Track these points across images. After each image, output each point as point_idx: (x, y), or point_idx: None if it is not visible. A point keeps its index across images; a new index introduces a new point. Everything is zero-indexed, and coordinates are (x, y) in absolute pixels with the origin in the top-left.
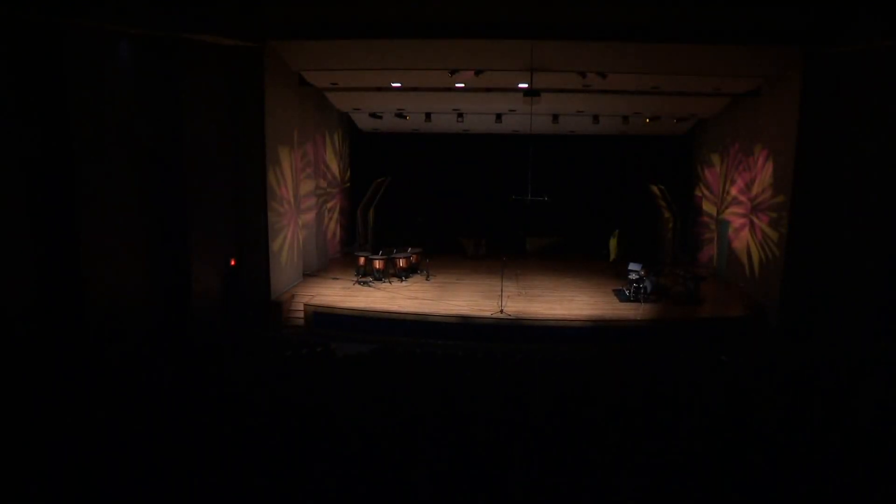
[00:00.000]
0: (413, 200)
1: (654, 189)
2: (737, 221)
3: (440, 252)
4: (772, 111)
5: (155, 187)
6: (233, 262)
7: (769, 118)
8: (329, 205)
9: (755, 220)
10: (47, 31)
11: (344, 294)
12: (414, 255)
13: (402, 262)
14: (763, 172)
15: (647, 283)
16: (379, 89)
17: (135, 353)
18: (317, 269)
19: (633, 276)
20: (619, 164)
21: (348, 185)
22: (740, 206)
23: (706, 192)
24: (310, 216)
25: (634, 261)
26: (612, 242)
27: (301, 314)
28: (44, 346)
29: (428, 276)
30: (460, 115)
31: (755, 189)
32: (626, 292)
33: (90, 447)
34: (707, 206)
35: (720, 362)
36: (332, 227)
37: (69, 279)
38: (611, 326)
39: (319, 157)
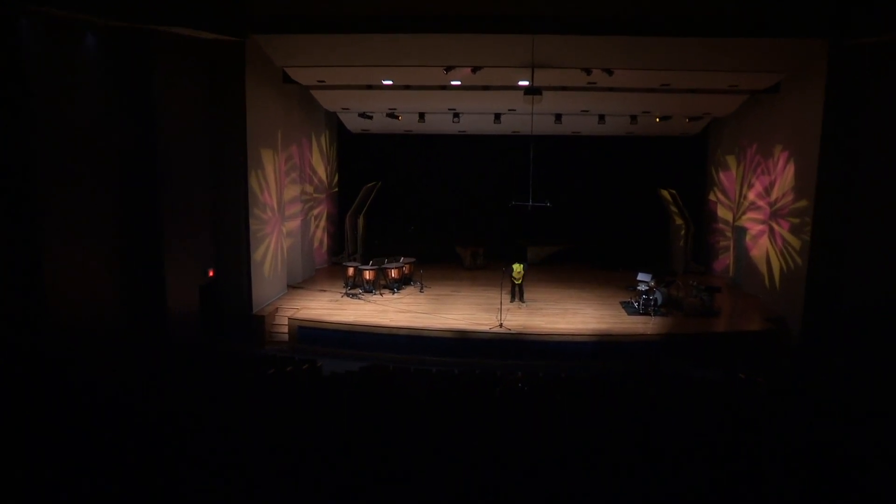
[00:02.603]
0: (406, 207)
1: (665, 194)
2: (755, 228)
3: (435, 262)
4: (793, 109)
5: (126, 192)
6: (211, 273)
7: (790, 116)
8: (315, 211)
9: (775, 227)
10: (2, 21)
11: (331, 307)
12: (407, 266)
13: (393, 273)
14: (784, 175)
15: (658, 295)
16: (369, 87)
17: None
18: (302, 281)
19: (642, 288)
20: (626, 167)
21: (336, 190)
22: (759, 211)
23: (721, 197)
24: (295, 224)
25: (644, 271)
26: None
27: (285, 329)
28: None
29: (422, 288)
30: (456, 114)
31: (775, 193)
32: (635, 305)
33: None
34: (722, 212)
35: (737, 381)
36: (319, 235)
37: (28, 293)
38: (618, 341)
39: (305, 161)
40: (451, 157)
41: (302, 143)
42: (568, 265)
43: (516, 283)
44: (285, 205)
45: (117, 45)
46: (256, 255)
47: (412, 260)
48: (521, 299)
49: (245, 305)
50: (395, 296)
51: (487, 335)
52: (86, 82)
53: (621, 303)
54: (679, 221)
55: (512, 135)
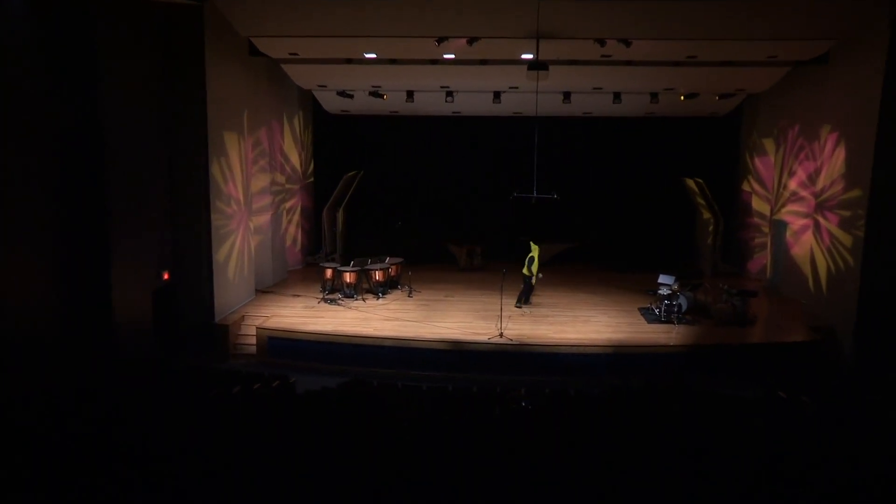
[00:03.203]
0: (392, 199)
1: (691, 184)
2: (797, 222)
3: (425, 262)
4: (844, 83)
5: (65, 182)
6: (166, 276)
7: (841, 92)
8: (288, 205)
9: (821, 221)
10: None
11: (306, 315)
12: (393, 267)
13: (378, 276)
14: (832, 161)
15: (682, 300)
16: (349, 61)
17: (28, 394)
18: (273, 284)
19: (664, 292)
20: (646, 154)
21: (312, 180)
22: (801, 203)
23: (757, 187)
24: (264, 219)
25: (666, 272)
26: (528, 258)
27: (253, 340)
28: None
29: (410, 293)
30: (450, 93)
31: (821, 182)
32: (656, 311)
33: None
34: (758, 204)
35: (777, 401)
36: (292, 231)
37: None
38: (636, 354)
39: (276, 146)
40: (443, 143)
41: (272, 126)
42: (578, 266)
43: (531, 277)
44: (253, 197)
45: (49, 10)
46: (219, 255)
47: (399, 260)
48: (526, 301)
49: (206, 313)
50: (380, 301)
51: (486, 346)
52: (11, 55)
53: (640, 309)
54: (707, 215)
55: (513, 117)
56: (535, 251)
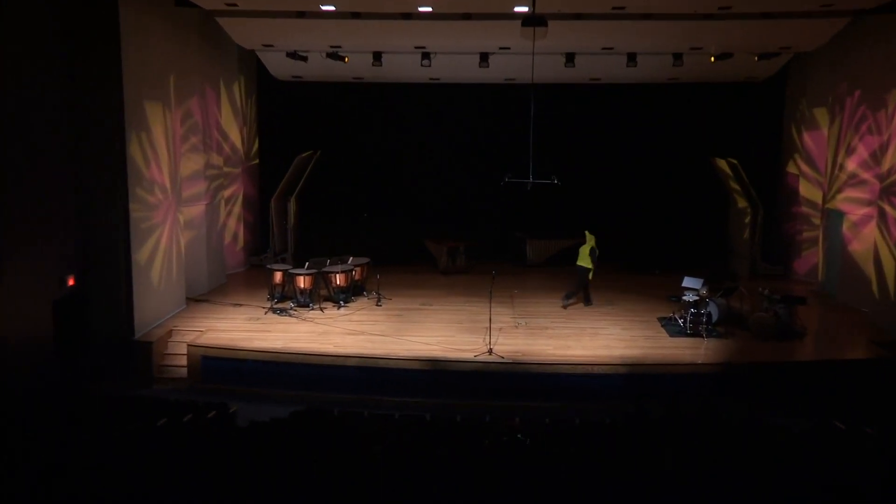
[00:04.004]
0: (356, 186)
1: (723, 165)
2: (857, 212)
3: (398, 263)
4: None
5: None
6: (71, 282)
7: None
8: (227, 192)
9: (888, 210)
10: None
11: (251, 328)
12: (358, 269)
13: (339, 280)
14: None
15: (713, 309)
16: (301, 14)
17: None
18: (208, 291)
19: (689, 298)
20: (667, 128)
21: (256, 162)
22: (863, 187)
23: (805, 168)
24: (197, 210)
25: (692, 274)
26: (585, 250)
27: (183, 360)
28: None
29: (379, 300)
30: (426, 55)
31: (889, 161)
32: (680, 322)
33: None
34: (807, 190)
35: (833, 433)
36: (233, 226)
37: None
38: (656, 374)
39: (211, 120)
40: (419, 117)
41: (206, 95)
42: None
43: (588, 271)
44: (182, 183)
45: None
46: (140, 255)
47: (365, 261)
48: (587, 300)
49: (123, 327)
50: (342, 311)
51: (472, 366)
52: None
53: (660, 319)
54: (743, 204)
55: (505, 84)
56: (591, 241)
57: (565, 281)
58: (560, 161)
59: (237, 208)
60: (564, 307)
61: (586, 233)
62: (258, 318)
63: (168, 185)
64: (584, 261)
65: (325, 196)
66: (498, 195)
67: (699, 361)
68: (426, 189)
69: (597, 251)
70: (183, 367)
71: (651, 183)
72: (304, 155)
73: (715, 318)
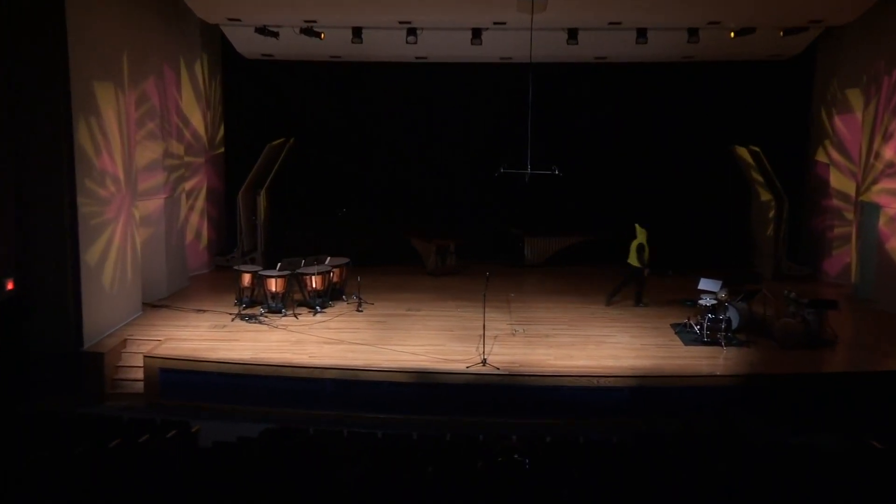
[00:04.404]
0: (334, 177)
1: (744, 153)
2: (895, 205)
3: (381, 264)
4: None
5: None
6: (10, 286)
7: None
8: (189, 185)
9: None
10: None
11: (216, 337)
12: (336, 270)
13: (315, 282)
14: None
15: (733, 314)
16: None
17: None
18: (168, 296)
19: (706, 302)
20: (682, 113)
21: (222, 150)
22: None
23: (837, 157)
24: (155, 205)
25: (709, 276)
26: (634, 245)
27: (139, 373)
28: None
29: (360, 305)
30: (412, 30)
31: None
32: (696, 329)
33: None
34: (838, 181)
35: (869, 452)
36: (195, 222)
37: None
38: (669, 388)
39: (170, 104)
40: (403, 100)
41: (165, 76)
42: (587, 267)
43: (642, 269)
44: (138, 174)
45: None
46: (90, 256)
47: (344, 261)
48: (639, 300)
49: (71, 336)
50: (319, 318)
51: (464, 378)
52: None
53: (673, 326)
54: (766, 196)
55: (500, 63)
56: (642, 236)
57: (567, 283)
58: (561, 150)
59: (200, 202)
60: (608, 304)
61: (636, 226)
62: (224, 326)
63: (121, 176)
64: (632, 259)
65: (300, 189)
66: (492, 188)
67: (717, 373)
68: (412, 181)
69: (646, 248)
70: (139, 381)
71: (664, 173)
72: (275, 143)
73: (735, 324)
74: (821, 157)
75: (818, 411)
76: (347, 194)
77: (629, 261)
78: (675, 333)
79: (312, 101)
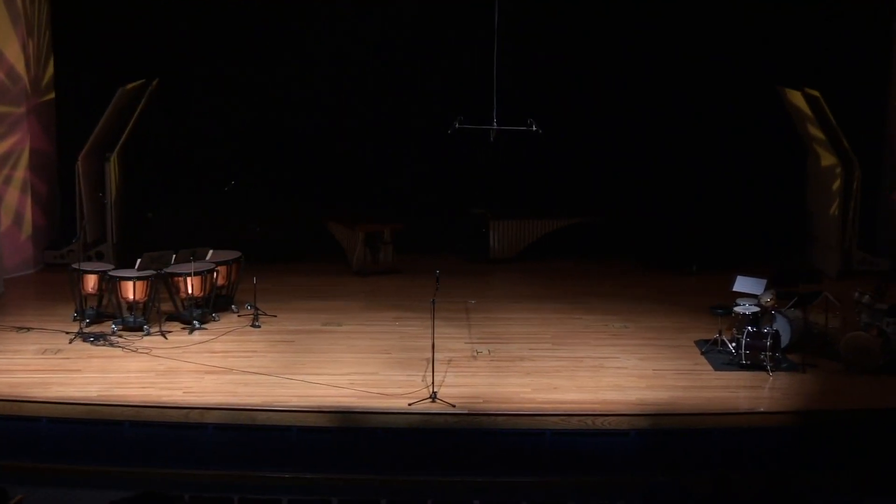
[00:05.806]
0: (218, 137)
1: (797, 98)
2: None
3: (287, 259)
4: None
5: None
6: None
7: None
8: (2, 147)
9: None
10: None
11: (47, 367)
12: (222, 269)
13: (192, 286)
14: None
15: (782, 326)
16: None
17: None
18: None
19: (745, 310)
20: (708, 45)
21: (52, 96)
22: None
23: None
24: None
25: (747, 274)
26: None
27: None
28: None
29: (257, 319)
30: None
31: None
32: (731, 347)
33: None
34: None
35: None
36: (13, 201)
37: None
38: (694, 430)
39: None
40: (320, 31)
41: None
42: (580, 262)
43: None
44: None
45: None
46: None
47: (234, 256)
48: None
49: None
50: (198, 336)
51: (405, 420)
52: None
53: (699, 343)
54: (829, 160)
55: None
56: None
57: (548, 284)
58: (541, 97)
59: (20, 172)
60: None
61: None
62: (59, 350)
63: None
64: None
65: (167, 153)
66: (444, 151)
67: (762, 409)
68: (331, 142)
69: None
70: None
71: (682, 130)
72: (131, 86)
73: (786, 340)
74: None
75: None
76: (237, 160)
77: None
78: (702, 353)
79: (187, 29)
